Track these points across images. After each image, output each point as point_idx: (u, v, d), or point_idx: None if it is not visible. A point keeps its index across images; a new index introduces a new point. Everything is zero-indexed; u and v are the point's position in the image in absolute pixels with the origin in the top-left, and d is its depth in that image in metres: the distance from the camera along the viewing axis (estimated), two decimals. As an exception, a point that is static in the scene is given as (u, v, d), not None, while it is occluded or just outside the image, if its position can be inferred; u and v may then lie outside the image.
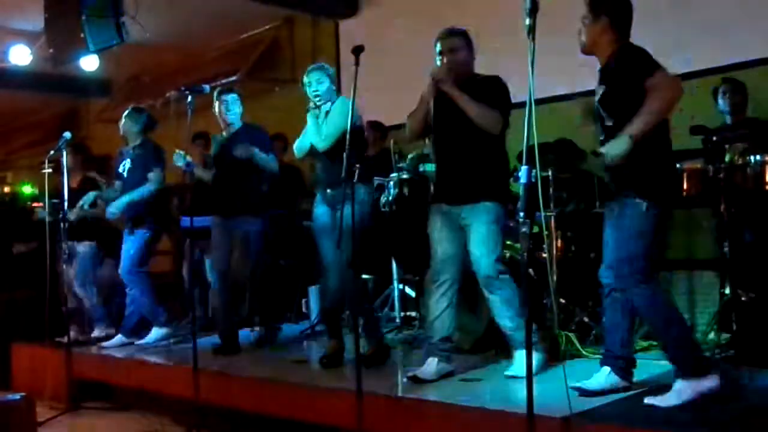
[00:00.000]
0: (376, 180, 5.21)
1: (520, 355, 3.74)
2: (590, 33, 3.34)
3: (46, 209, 5.81)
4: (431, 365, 3.83)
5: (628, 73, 3.19)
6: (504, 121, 3.78)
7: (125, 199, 5.45)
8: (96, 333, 6.00)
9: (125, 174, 5.61)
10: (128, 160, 5.61)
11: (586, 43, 3.36)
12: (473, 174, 3.82)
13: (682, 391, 3.10)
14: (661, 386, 3.26)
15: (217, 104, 5.09)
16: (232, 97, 5.11)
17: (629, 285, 3.22)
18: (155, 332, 5.54)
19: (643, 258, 3.19)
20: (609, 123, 3.27)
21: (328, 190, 4.41)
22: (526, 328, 2.73)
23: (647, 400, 3.15)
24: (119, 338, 5.58)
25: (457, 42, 3.90)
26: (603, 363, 3.41)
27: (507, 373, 3.78)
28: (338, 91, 4.61)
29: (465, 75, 3.88)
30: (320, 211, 4.50)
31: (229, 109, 5.08)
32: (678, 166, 4.07)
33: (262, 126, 5.31)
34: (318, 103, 4.43)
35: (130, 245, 5.50)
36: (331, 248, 4.30)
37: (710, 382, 3.10)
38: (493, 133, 3.75)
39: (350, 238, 3.79)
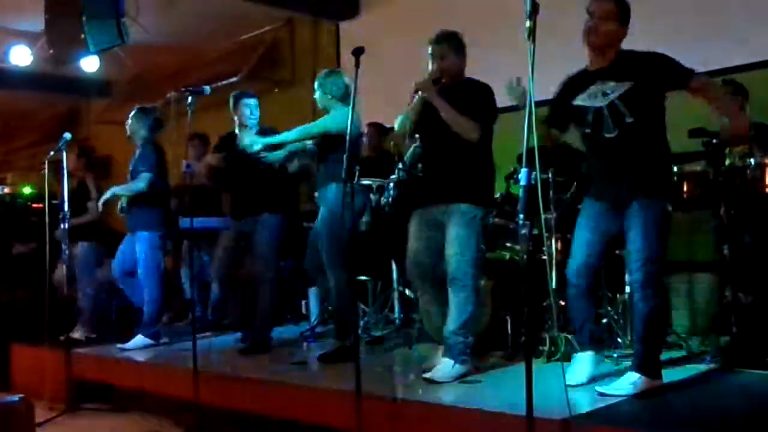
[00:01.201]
0: (376, 181, 5.23)
1: (444, 363, 3.86)
2: (612, 36, 3.43)
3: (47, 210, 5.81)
4: (447, 366, 3.86)
5: (658, 73, 3.33)
6: (483, 129, 3.85)
7: (114, 190, 5.53)
8: (77, 334, 6.04)
9: (129, 177, 5.64)
10: (132, 162, 5.65)
11: (601, 43, 3.43)
12: (451, 176, 3.94)
13: (637, 384, 3.30)
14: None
15: (239, 108, 5.18)
16: (254, 102, 5.21)
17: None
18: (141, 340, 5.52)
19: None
20: (629, 120, 3.35)
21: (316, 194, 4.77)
22: (527, 330, 2.74)
23: (598, 388, 3.38)
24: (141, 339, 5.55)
25: (445, 49, 3.99)
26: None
27: (425, 375, 3.85)
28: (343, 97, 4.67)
29: (454, 79, 4.01)
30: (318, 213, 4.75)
31: (253, 113, 5.18)
32: (677, 168, 4.10)
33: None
34: (321, 109, 4.77)
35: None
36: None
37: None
38: (471, 140, 3.84)
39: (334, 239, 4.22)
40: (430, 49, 3.99)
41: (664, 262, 3.36)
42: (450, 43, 3.99)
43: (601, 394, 3.32)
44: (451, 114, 3.85)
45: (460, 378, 3.83)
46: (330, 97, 4.68)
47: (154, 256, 5.50)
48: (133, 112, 5.68)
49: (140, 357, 5.25)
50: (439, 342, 4.08)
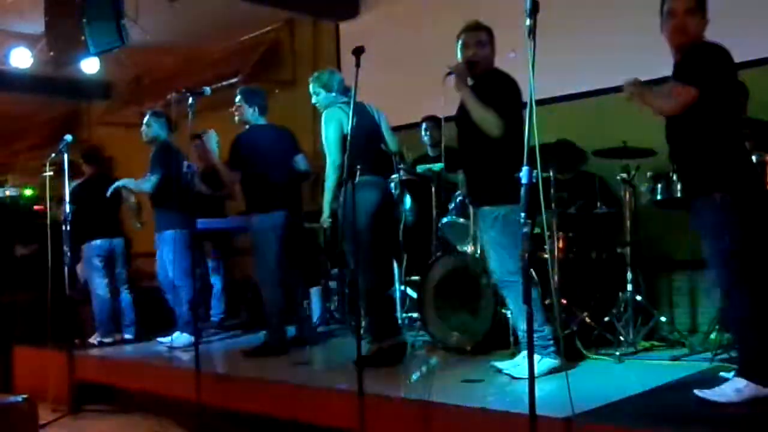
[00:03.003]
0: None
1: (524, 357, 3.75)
2: (700, 30, 3.24)
3: (48, 211, 5.84)
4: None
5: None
6: (506, 125, 3.74)
7: (123, 182, 5.67)
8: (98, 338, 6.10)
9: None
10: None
11: (688, 40, 3.22)
12: (473, 178, 3.90)
13: (742, 390, 3.05)
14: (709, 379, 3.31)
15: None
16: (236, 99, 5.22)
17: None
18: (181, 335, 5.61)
19: None
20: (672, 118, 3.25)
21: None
22: (527, 328, 2.74)
23: (699, 393, 3.12)
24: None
25: (485, 36, 3.94)
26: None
27: (511, 374, 3.80)
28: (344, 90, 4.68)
29: (486, 69, 3.92)
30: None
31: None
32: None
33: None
34: (320, 112, 4.65)
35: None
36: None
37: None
38: (492, 136, 3.74)
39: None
40: (465, 37, 3.90)
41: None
42: (489, 32, 3.95)
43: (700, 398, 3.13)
44: (477, 106, 3.75)
45: (552, 372, 3.74)
46: (333, 93, 4.68)
47: (185, 254, 5.50)
48: (147, 117, 5.81)
49: (142, 358, 5.26)
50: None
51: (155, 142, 5.78)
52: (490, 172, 3.85)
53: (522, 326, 3.77)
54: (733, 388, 3.08)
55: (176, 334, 5.56)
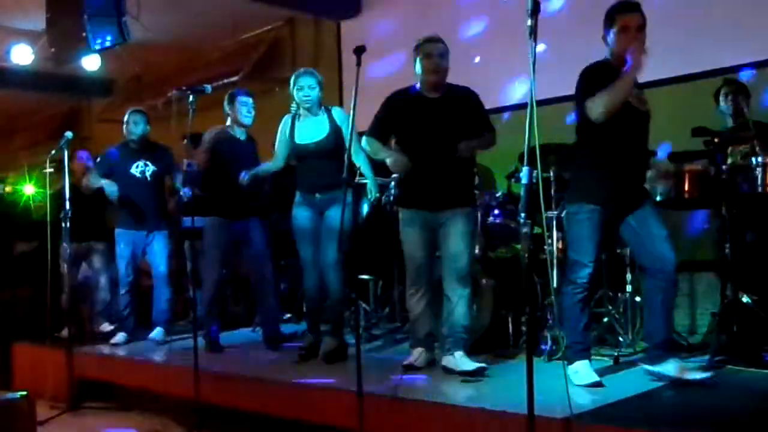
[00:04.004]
0: (378, 180, 5.22)
1: (461, 356, 3.95)
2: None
3: (48, 209, 5.85)
4: (421, 355, 4.08)
5: None
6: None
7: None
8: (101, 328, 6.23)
9: (149, 178, 5.69)
10: (143, 162, 5.70)
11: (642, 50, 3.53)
12: (455, 182, 3.99)
13: None
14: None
15: (236, 105, 5.15)
16: (251, 102, 5.20)
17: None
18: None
19: None
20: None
21: (317, 195, 4.58)
22: (528, 329, 2.75)
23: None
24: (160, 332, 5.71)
25: (444, 48, 4.02)
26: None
27: (446, 364, 3.97)
28: (339, 93, 4.69)
29: (442, 82, 4.03)
30: (304, 214, 4.64)
31: (250, 112, 5.18)
32: (678, 166, 4.13)
33: None
34: (306, 106, 4.64)
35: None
36: (311, 251, 4.62)
37: None
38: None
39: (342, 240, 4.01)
40: (427, 48, 3.97)
41: None
42: (446, 46, 4.02)
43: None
44: (478, 144, 4.00)
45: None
46: (321, 96, 4.70)
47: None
48: (131, 115, 5.75)
49: (142, 356, 5.26)
50: (424, 345, 4.18)
51: (145, 138, 5.76)
52: (468, 177, 4.13)
53: (463, 322, 3.98)
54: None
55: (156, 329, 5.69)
